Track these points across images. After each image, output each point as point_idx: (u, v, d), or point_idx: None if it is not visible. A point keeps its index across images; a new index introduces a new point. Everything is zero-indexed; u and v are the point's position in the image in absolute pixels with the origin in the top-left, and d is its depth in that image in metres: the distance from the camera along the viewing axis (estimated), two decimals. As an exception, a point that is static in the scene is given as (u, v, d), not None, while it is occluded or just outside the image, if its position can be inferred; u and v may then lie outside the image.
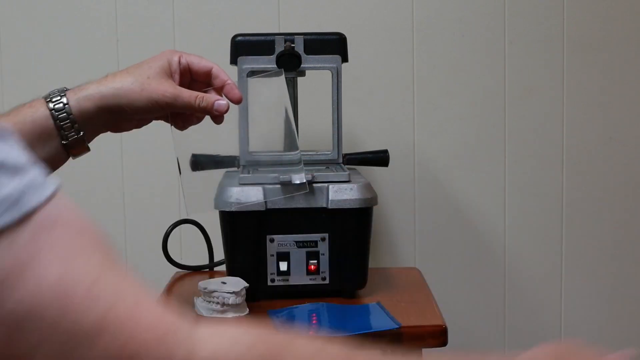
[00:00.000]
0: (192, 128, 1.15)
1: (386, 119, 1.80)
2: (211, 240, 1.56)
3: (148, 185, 1.81)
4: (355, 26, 1.75)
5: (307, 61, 1.44)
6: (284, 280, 1.34)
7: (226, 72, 1.15)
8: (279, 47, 1.43)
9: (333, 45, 1.45)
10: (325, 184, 1.33)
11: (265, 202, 1.31)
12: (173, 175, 1.45)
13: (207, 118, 1.15)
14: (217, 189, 1.36)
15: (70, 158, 1.08)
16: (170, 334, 0.62)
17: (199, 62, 1.13)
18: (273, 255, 1.33)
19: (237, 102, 1.13)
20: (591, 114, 1.81)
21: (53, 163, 1.05)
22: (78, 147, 1.05)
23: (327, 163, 1.46)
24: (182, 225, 1.56)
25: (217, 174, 1.46)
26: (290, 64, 1.42)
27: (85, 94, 1.05)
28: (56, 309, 0.59)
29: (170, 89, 1.07)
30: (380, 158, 1.54)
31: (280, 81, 1.24)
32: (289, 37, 1.44)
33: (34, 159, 0.62)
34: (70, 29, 1.78)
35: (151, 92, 1.06)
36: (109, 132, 1.13)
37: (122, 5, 1.77)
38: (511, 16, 1.78)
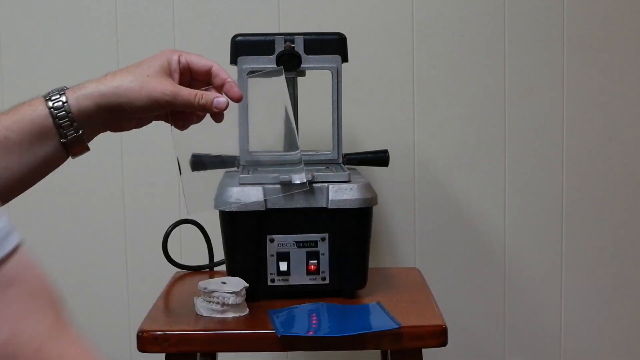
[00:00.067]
0: (192, 128, 1.15)
1: (386, 119, 1.80)
2: (211, 240, 1.56)
3: (148, 185, 1.81)
4: (355, 26, 1.75)
5: (307, 61, 1.44)
6: (284, 280, 1.34)
7: (226, 71, 1.14)
8: (279, 47, 1.43)
9: (333, 45, 1.45)
10: (325, 184, 1.33)
11: (265, 202, 1.31)
12: (173, 175, 1.45)
13: (207, 118, 1.15)
14: (217, 189, 1.36)
15: (70, 158, 1.07)
16: None
17: (199, 61, 1.12)
18: (273, 255, 1.33)
19: (237, 100, 1.13)
20: (591, 114, 1.81)
21: (52, 162, 1.05)
22: (77, 146, 1.05)
23: (327, 163, 1.46)
24: (182, 225, 1.56)
25: (217, 174, 1.46)
26: (290, 64, 1.42)
27: (84, 92, 1.04)
28: None
29: (169, 87, 1.07)
30: (380, 158, 1.54)
31: (280, 80, 1.24)
32: (289, 37, 1.44)
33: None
34: (70, 29, 1.78)
35: (151, 90, 1.06)
36: (109, 132, 1.12)
37: (122, 5, 1.77)
38: (511, 16, 1.78)
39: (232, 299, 1.26)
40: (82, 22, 1.78)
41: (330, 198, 1.32)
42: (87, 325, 1.89)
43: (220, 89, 1.13)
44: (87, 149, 1.07)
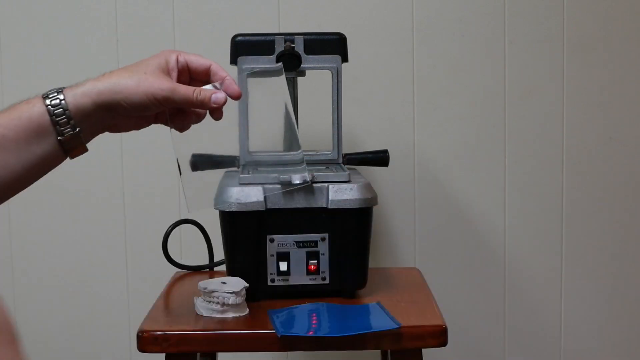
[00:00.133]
0: (192, 128, 1.15)
1: (386, 119, 1.80)
2: (211, 240, 1.56)
3: (148, 185, 1.81)
4: (355, 26, 1.75)
5: (307, 61, 1.44)
6: (284, 280, 1.34)
7: (225, 69, 1.14)
8: (279, 47, 1.43)
9: (333, 45, 1.45)
10: (325, 184, 1.33)
11: (265, 202, 1.31)
12: (173, 175, 1.45)
13: (207, 118, 1.14)
14: (217, 189, 1.36)
15: (68, 159, 1.07)
16: None
17: (197, 60, 1.12)
18: (273, 255, 1.33)
19: (236, 97, 1.13)
20: (591, 114, 1.81)
21: (49, 161, 1.05)
22: (75, 146, 1.05)
23: (327, 163, 1.46)
24: (182, 225, 1.56)
25: (217, 174, 1.46)
26: (290, 64, 1.42)
27: (82, 90, 1.05)
28: None
29: (167, 83, 1.07)
30: (380, 158, 1.54)
31: (280, 79, 1.24)
32: (289, 37, 1.44)
33: None
34: (70, 29, 1.78)
35: (148, 86, 1.06)
36: (108, 132, 1.12)
37: (122, 5, 1.77)
38: (511, 16, 1.78)
39: (232, 299, 1.26)
40: (82, 22, 1.78)
41: (330, 198, 1.32)
42: (87, 325, 1.91)
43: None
44: (85, 149, 1.07)
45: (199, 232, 1.56)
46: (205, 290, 1.27)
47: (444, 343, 1.22)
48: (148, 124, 1.14)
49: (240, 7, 1.77)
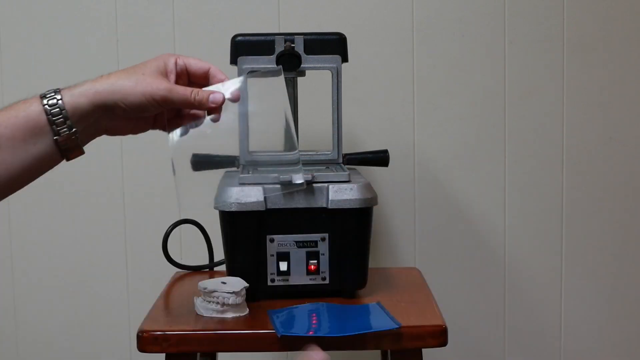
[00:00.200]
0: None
1: (386, 119, 1.80)
2: (211, 240, 1.56)
3: (148, 185, 1.81)
4: (355, 26, 1.75)
5: (307, 61, 1.44)
6: (284, 280, 1.34)
7: (224, 72, 1.14)
8: (279, 47, 1.43)
9: (333, 45, 1.45)
10: (325, 184, 1.33)
11: (265, 202, 1.31)
12: (173, 176, 1.45)
13: (206, 119, 1.14)
14: (217, 189, 1.36)
15: (65, 161, 1.07)
16: None
17: (196, 63, 1.13)
18: (273, 255, 1.33)
19: (234, 99, 1.13)
20: (591, 114, 1.81)
21: (45, 162, 1.05)
22: (71, 146, 1.05)
23: (327, 163, 1.46)
24: (182, 225, 1.56)
25: (217, 174, 1.46)
26: (290, 64, 1.42)
27: (79, 90, 1.05)
28: None
29: (164, 84, 1.07)
30: (380, 158, 1.54)
31: (279, 80, 1.24)
32: (289, 37, 1.44)
33: None
34: (70, 29, 1.78)
35: (145, 86, 1.05)
36: (108, 133, 1.13)
37: (122, 5, 1.77)
38: (511, 16, 1.78)
39: (232, 299, 1.26)
40: (82, 22, 1.78)
41: (330, 198, 1.32)
42: (87, 325, 1.91)
43: None
44: (82, 152, 1.07)
45: (199, 232, 1.56)
46: (205, 290, 1.27)
47: (444, 343, 1.22)
48: (146, 128, 1.14)
49: (240, 7, 1.77)
